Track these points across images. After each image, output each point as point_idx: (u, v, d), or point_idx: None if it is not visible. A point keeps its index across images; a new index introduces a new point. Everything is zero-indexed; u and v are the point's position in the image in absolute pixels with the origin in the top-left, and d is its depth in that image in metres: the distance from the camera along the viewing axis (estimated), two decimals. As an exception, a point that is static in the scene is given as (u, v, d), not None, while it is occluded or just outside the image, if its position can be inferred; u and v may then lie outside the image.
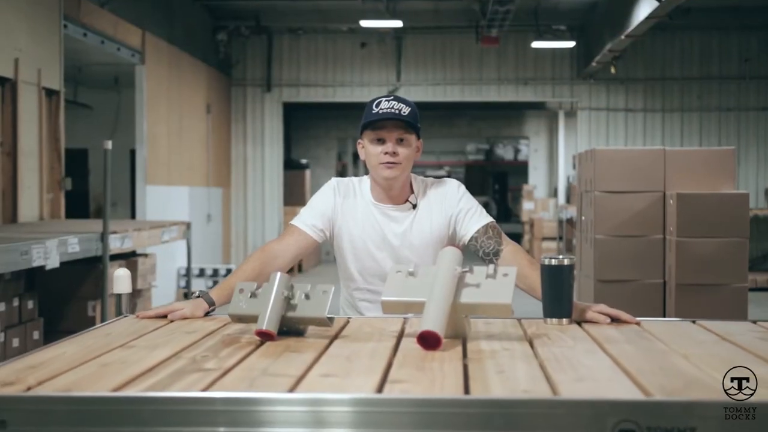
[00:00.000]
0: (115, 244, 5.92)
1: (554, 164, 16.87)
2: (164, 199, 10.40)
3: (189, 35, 11.74)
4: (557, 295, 2.23)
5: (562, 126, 16.13)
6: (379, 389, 1.51)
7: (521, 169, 20.56)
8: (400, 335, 2.08)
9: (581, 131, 13.70)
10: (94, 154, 12.10)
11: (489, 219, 2.77)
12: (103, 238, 5.70)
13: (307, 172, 14.82)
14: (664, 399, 1.43)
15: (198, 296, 2.40)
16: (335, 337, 2.07)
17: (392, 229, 2.77)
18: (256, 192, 13.71)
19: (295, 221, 2.78)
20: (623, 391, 1.52)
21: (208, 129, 12.31)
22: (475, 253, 2.73)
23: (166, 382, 1.54)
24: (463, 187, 2.82)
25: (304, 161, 15.41)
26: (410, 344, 1.93)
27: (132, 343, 1.96)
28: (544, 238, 14.17)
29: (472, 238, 2.72)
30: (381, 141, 2.73)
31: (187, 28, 11.75)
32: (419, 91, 13.51)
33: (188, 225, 7.59)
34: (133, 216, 10.64)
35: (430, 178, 2.88)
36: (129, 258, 6.60)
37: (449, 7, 12.52)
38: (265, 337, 1.98)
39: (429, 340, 1.87)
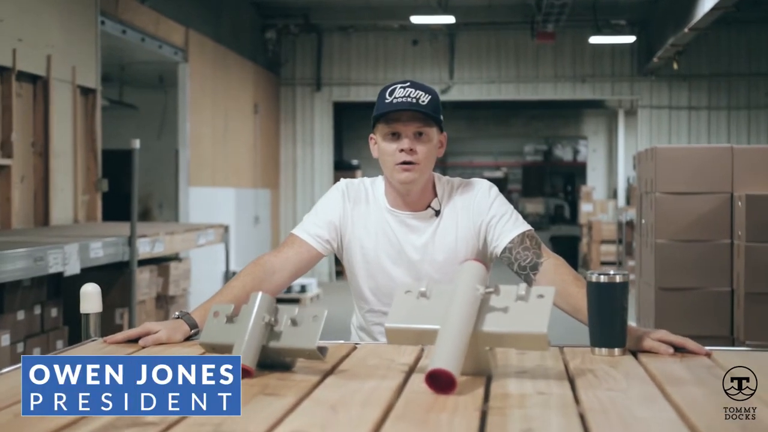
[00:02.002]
0: (145, 249, 5.65)
1: (613, 165, 16.38)
2: (209, 201, 10.18)
3: (236, 34, 11.52)
4: (607, 320, 1.81)
5: (622, 125, 15.65)
6: (360, 458, 1.13)
7: (578, 171, 20.05)
8: (411, 370, 1.69)
9: (642, 130, 13.20)
10: (140, 155, 11.91)
11: (526, 227, 2.32)
12: (131, 242, 5.42)
13: (358, 173, 14.49)
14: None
15: (178, 317, 2.02)
16: (331, 371, 1.68)
17: (411, 240, 2.34)
18: (305, 193, 13.46)
19: (297, 230, 2.37)
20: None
21: (255, 129, 12.07)
22: (510, 267, 2.30)
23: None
24: (495, 189, 2.39)
25: (355, 162, 15.09)
26: (420, 383, 1.54)
27: (81, 378, 1.59)
28: (603, 241, 13.68)
29: (505, 249, 2.28)
30: (396, 136, 2.30)
31: (235, 26, 11.53)
32: (473, 89, 13.14)
33: (226, 228, 7.32)
34: (177, 218, 10.44)
35: (457, 179, 2.43)
36: (161, 263, 6.32)
37: (503, 2, 12.11)
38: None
39: (441, 381, 1.47)
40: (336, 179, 13.92)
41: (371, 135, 2.39)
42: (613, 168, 16.49)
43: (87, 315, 2.00)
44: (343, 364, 1.76)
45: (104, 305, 5.90)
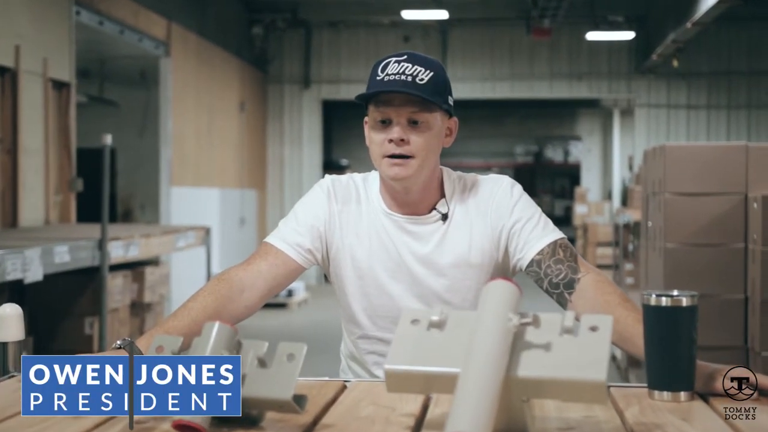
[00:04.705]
0: (118, 253, 5.24)
1: (608, 165, 16.10)
2: (192, 202, 9.83)
3: (222, 28, 11.17)
4: (672, 355, 1.41)
5: (617, 125, 15.42)
6: None
7: (571, 171, 19.81)
8: (419, 424, 1.28)
9: (639, 130, 12.95)
10: (122, 155, 11.61)
11: (558, 234, 1.86)
12: (101, 245, 5.01)
13: (348, 173, 14.19)
14: None
15: (120, 347, 1.59)
16: (312, 425, 1.27)
17: (413, 250, 1.89)
18: (293, 194, 13.14)
19: (272, 238, 1.91)
20: None
21: (241, 128, 11.73)
22: (538, 283, 1.84)
23: None
24: (518, 188, 1.93)
25: (344, 162, 14.79)
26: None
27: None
28: (599, 244, 13.38)
29: (533, 261, 1.83)
30: (386, 123, 1.86)
31: (220, 20, 11.18)
32: (466, 87, 12.82)
33: (207, 230, 6.94)
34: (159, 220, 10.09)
35: (471, 175, 1.98)
36: (135, 267, 5.91)
37: (498, -3, 11.85)
38: (188, 432, 1.19)
39: (463, 450, 1.07)
40: (325, 180, 13.62)
41: (366, 119, 1.96)
42: (608, 169, 16.23)
43: (5, 344, 1.59)
44: (328, 414, 1.34)
45: (73, 313, 5.49)
